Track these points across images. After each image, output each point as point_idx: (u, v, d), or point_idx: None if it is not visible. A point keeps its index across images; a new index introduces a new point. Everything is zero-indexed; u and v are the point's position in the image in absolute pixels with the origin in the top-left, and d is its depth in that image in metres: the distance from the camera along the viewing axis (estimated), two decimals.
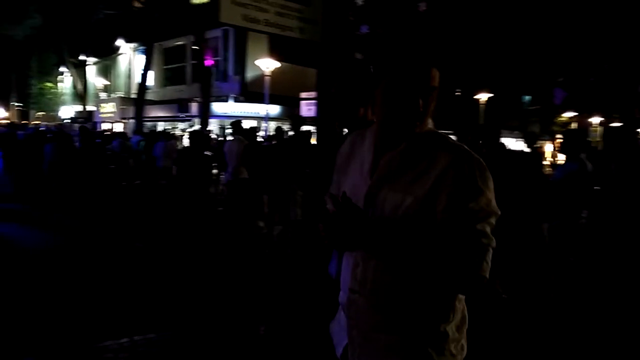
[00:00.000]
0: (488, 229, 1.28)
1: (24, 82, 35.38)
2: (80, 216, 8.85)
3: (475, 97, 25.49)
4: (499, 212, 1.31)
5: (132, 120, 23.51)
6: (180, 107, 22.57)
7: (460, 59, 28.09)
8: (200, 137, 10.91)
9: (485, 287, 1.27)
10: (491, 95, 25.25)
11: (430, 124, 1.42)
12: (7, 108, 38.42)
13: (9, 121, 27.51)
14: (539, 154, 5.75)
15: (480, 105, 25.29)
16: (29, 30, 26.51)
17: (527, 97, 31.44)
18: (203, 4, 20.44)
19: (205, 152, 9.36)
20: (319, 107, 4.26)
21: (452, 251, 1.24)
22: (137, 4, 21.76)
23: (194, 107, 21.77)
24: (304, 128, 6.93)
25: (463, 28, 27.30)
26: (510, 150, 6.70)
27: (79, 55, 30.81)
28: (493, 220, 1.30)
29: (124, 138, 13.26)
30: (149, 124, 23.92)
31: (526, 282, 5.12)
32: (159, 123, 25.01)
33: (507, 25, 26.84)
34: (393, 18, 24.81)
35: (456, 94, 31.03)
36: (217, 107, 20.97)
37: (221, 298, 4.92)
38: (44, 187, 10.14)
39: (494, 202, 1.31)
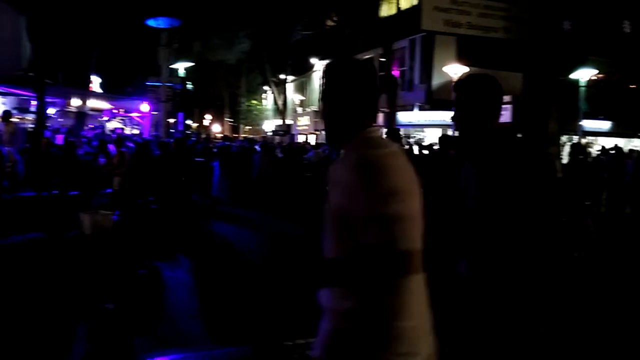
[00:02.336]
0: (373, 238, 1.34)
1: (234, 100, 40.42)
2: (283, 219, 9.70)
3: None
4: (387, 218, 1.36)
5: (324, 132, 25.04)
6: None
7: None
8: None
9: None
10: None
11: (370, 130, 1.51)
12: (222, 123, 44.36)
13: (223, 134, 31.70)
14: None
15: None
16: (239, 55, 30.23)
17: None
18: (391, 17, 20.85)
19: None
20: (526, 110, 3.93)
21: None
22: (330, 23, 23.19)
23: (380, 117, 22.26)
24: None
25: None
26: None
27: (279, 74, 34.10)
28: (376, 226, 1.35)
29: (318, 148, 14.18)
30: None
31: None
32: None
33: None
34: (601, 9, 22.06)
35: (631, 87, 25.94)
36: (402, 117, 21.12)
37: None
38: (253, 192, 11.37)
39: (379, 209, 1.35)
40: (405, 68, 23.13)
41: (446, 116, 17.95)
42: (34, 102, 15.77)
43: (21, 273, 6.02)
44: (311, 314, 4.53)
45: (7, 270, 6.09)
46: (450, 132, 15.87)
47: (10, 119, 11.48)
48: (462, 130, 2.19)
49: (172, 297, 5.21)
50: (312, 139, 27.75)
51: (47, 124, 16.26)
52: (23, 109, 17.04)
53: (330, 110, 1.56)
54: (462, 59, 17.39)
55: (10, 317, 4.46)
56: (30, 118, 16.94)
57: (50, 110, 17.99)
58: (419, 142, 18.18)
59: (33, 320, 4.44)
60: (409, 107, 22.11)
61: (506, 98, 15.18)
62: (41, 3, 14.56)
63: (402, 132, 22.11)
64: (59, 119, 19.48)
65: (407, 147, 8.82)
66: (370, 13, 21.74)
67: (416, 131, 20.74)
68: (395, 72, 22.20)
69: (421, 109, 21.84)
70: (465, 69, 15.78)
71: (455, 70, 15.69)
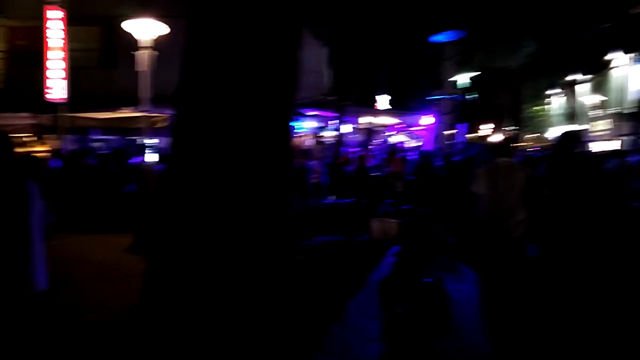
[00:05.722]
0: None
1: (516, 107, 38.36)
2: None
3: None
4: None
5: (628, 137, 21.47)
6: None
7: None
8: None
9: None
10: None
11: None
12: (501, 132, 42.59)
13: None
14: None
15: None
16: (523, 59, 28.50)
17: None
18: None
19: None
20: None
21: None
22: (637, 10, 19.76)
23: None
24: None
25: None
26: None
27: (568, 76, 30.87)
28: None
29: (622, 156, 12.16)
30: None
31: None
32: None
33: None
34: None
35: None
36: None
37: None
38: None
39: None
40: None
41: None
42: (331, 122, 18.15)
43: (323, 269, 6.94)
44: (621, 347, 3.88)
45: (312, 266, 7.12)
46: None
47: (319, 138, 13.86)
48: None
49: (458, 309, 5.18)
50: (612, 146, 24.04)
51: (344, 141, 18.45)
52: (324, 127, 19.78)
53: None
54: None
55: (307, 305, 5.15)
56: (329, 135, 19.55)
57: (344, 128, 20.34)
58: None
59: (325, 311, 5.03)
60: None
61: None
62: (340, 37, 16.68)
63: None
64: (352, 135, 21.89)
65: None
66: None
67: None
68: None
69: None
70: None
71: None
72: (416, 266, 6.91)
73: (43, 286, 2.54)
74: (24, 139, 15.51)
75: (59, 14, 11.22)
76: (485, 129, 43.21)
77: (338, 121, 16.69)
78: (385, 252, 7.86)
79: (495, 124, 42.48)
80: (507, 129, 41.62)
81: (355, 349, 4.21)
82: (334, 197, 11.20)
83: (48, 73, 11.24)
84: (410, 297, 5.52)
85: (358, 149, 16.55)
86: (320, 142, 16.25)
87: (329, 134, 19.38)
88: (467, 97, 19.36)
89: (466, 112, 19.44)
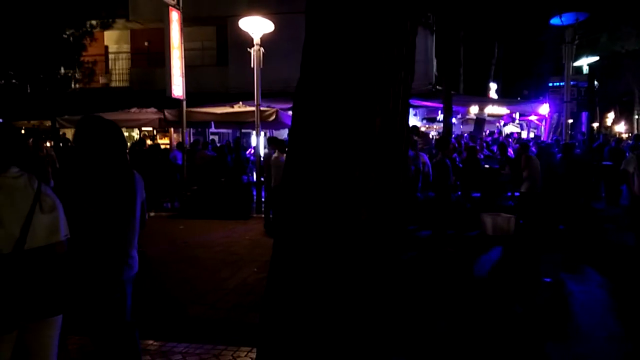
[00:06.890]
0: None
1: None
2: None
3: None
4: None
5: None
6: None
7: None
8: None
9: None
10: None
11: None
12: (629, 121, 38.57)
13: (632, 134, 27.50)
14: None
15: None
16: None
17: None
18: None
19: None
20: None
21: None
22: None
23: None
24: None
25: None
26: None
27: None
28: None
29: None
30: None
31: None
32: None
33: None
34: None
35: None
36: None
37: None
38: None
39: None
40: None
41: None
42: (439, 112, 17.58)
43: (428, 262, 6.79)
44: None
45: (419, 258, 6.99)
46: None
47: (420, 131, 13.67)
48: None
49: (583, 312, 4.80)
50: None
51: (452, 132, 17.83)
52: (431, 118, 19.25)
53: None
54: None
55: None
56: (436, 127, 18.99)
57: (453, 119, 19.60)
58: None
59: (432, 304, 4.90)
60: None
61: None
62: (449, 23, 16.08)
63: None
64: (460, 126, 21.06)
65: None
66: None
67: None
68: None
69: None
70: None
71: None
72: (535, 265, 6.51)
73: (135, 270, 2.71)
74: (154, 132, 17.06)
75: (176, 15, 12.03)
76: (611, 118, 39.38)
77: (445, 112, 16.18)
78: (501, 249, 7.50)
79: (620, 112, 38.55)
80: (638, 117, 37.59)
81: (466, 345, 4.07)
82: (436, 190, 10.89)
83: (171, 71, 12.10)
84: (529, 296, 5.21)
85: (466, 139, 15.92)
86: (427, 133, 15.89)
87: (436, 125, 18.84)
88: (591, 83, 17.68)
89: (589, 99, 17.74)
